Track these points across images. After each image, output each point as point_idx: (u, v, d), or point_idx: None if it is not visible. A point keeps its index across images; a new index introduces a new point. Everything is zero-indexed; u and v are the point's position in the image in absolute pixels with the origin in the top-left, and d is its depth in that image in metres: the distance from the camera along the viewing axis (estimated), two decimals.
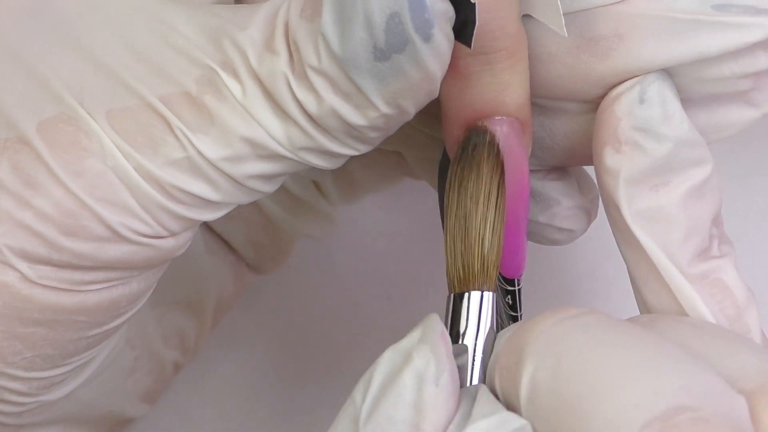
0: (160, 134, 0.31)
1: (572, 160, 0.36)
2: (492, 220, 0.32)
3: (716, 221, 0.33)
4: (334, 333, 0.48)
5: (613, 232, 0.33)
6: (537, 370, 0.28)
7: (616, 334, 0.28)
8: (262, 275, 0.45)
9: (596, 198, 0.37)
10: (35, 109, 0.31)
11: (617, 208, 0.32)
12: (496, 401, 0.29)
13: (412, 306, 0.48)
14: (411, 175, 0.42)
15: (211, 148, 0.31)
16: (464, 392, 0.29)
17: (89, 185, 0.31)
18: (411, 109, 0.31)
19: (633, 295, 0.33)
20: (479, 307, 0.32)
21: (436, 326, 0.29)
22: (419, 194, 0.49)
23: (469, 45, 0.30)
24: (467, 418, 0.28)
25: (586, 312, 0.29)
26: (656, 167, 0.32)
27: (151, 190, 0.31)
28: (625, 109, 0.32)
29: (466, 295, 0.32)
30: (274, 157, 0.31)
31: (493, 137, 0.32)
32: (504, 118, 0.32)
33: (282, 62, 0.30)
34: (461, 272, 0.32)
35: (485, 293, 0.32)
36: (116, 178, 0.31)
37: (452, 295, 0.32)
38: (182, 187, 0.31)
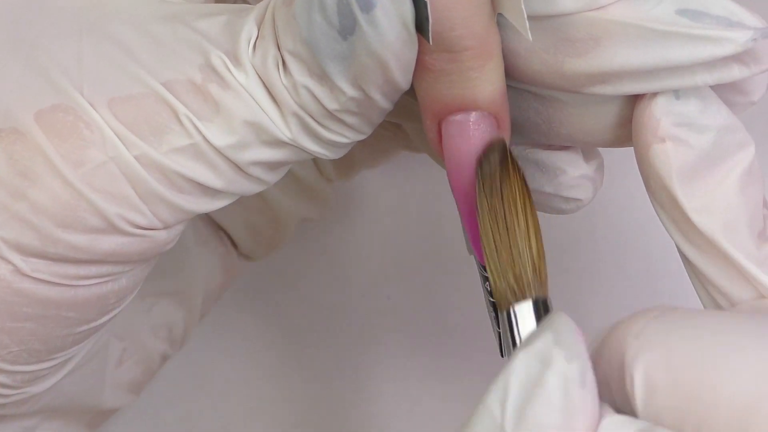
0: (165, 122, 0.31)
1: (571, 143, 0.36)
2: (533, 229, 0.32)
3: (764, 202, 0.33)
4: (334, 333, 0.48)
5: (671, 232, 0.33)
6: (648, 370, 0.27)
7: (713, 320, 0.28)
8: (253, 261, 0.45)
9: (601, 165, 0.37)
10: (33, 98, 0.31)
11: (677, 207, 0.32)
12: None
13: (412, 306, 0.48)
14: (409, 148, 0.42)
15: (218, 136, 0.31)
16: None
17: (88, 176, 0.31)
18: (376, 95, 0.31)
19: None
20: (543, 315, 0.31)
21: (570, 324, 0.28)
22: (420, 194, 0.49)
23: (428, 40, 0.30)
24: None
25: (669, 308, 0.29)
26: (705, 158, 0.32)
27: (151, 180, 0.31)
28: (663, 108, 0.32)
29: (526, 305, 0.31)
30: (276, 143, 0.32)
31: (504, 150, 0.32)
32: (475, 112, 0.32)
33: (271, 48, 0.31)
34: (514, 283, 0.31)
35: (543, 300, 0.31)
36: (116, 168, 0.31)
37: (511, 308, 0.31)
38: (185, 174, 0.31)
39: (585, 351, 0.28)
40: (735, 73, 0.32)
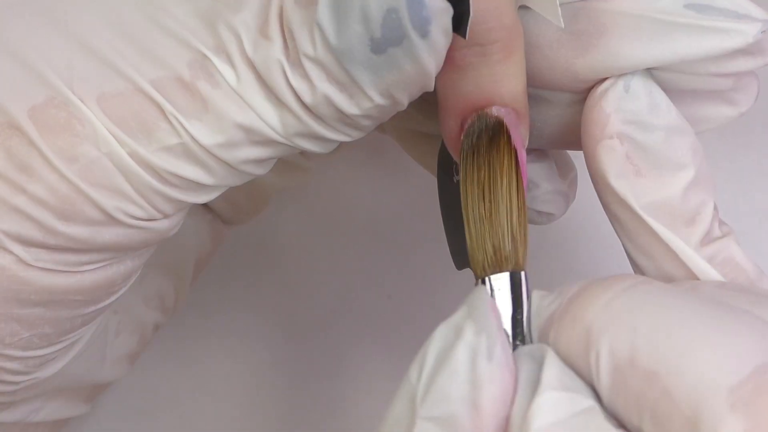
0: (153, 120, 0.31)
1: (555, 146, 0.36)
2: (516, 200, 0.32)
3: (715, 207, 0.33)
4: (335, 332, 0.48)
5: (616, 227, 0.33)
6: (613, 346, 0.27)
7: (682, 302, 0.28)
8: (236, 226, 0.45)
9: (574, 180, 0.38)
10: (24, 93, 0.31)
11: (623, 203, 0.32)
12: (565, 367, 0.28)
13: (412, 306, 0.48)
14: (382, 131, 0.42)
15: (206, 135, 0.31)
16: (525, 354, 0.29)
17: (84, 171, 0.30)
18: (404, 100, 0.31)
19: None
20: (519, 287, 0.31)
21: (484, 299, 0.29)
22: (420, 194, 0.49)
23: (464, 36, 0.30)
24: (535, 384, 0.28)
25: (641, 281, 0.29)
26: (652, 157, 0.32)
27: (146, 175, 0.31)
28: (613, 104, 0.32)
29: (499, 276, 0.31)
30: (268, 142, 0.31)
31: (500, 121, 0.32)
32: (500, 108, 0.32)
33: (277, 49, 0.30)
34: (492, 254, 0.31)
35: (519, 273, 0.31)
36: (111, 164, 0.31)
37: (482, 279, 0.31)
38: (176, 173, 0.31)
39: (495, 325, 0.28)
40: (740, 64, 0.32)
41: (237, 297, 0.48)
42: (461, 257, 0.36)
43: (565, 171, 0.37)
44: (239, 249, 0.49)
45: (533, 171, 0.36)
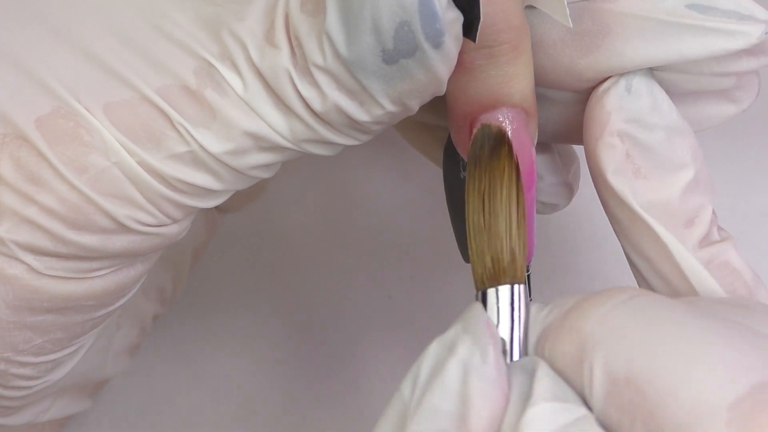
0: (161, 128, 0.31)
1: (557, 142, 0.36)
2: (516, 212, 0.31)
3: (714, 212, 0.33)
4: (335, 332, 0.48)
5: (614, 226, 0.33)
6: (608, 360, 0.27)
7: (679, 316, 0.27)
8: (231, 213, 0.45)
9: (577, 170, 0.38)
10: (30, 104, 0.31)
11: (621, 202, 0.32)
12: (558, 378, 0.28)
13: (412, 305, 0.48)
14: None
15: (214, 143, 0.31)
16: (518, 367, 0.29)
17: (94, 180, 0.30)
18: (416, 106, 0.31)
19: None
20: (512, 301, 0.31)
21: (480, 315, 0.28)
22: (421, 194, 0.49)
23: (474, 41, 0.30)
24: (527, 397, 0.28)
25: (637, 294, 0.28)
26: (652, 157, 0.32)
27: (155, 183, 0.31)
28: (615, 103, 0.32)
29: (496, 289, 0.31)
30: (276, 148, 0.31)
31: (502, 133, 0.32)
32: (509, 108, 0.32)
33: (284, 58, 0.30)
34: (491, 267, 0.31)
35: (516, 286, 0.31)
36: (120, 173, 0.31)
37: (480, 292, 0.31)
38: (186, 180, 0.31)
39: (490, 342, 0.28)
40: (743, 64, 0.32)
41: (237, 296, 0.49)
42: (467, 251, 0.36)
43: (568, 162, 0.37)
44: (240, 248, 0.49)
45: (537, 163, 0.36)
